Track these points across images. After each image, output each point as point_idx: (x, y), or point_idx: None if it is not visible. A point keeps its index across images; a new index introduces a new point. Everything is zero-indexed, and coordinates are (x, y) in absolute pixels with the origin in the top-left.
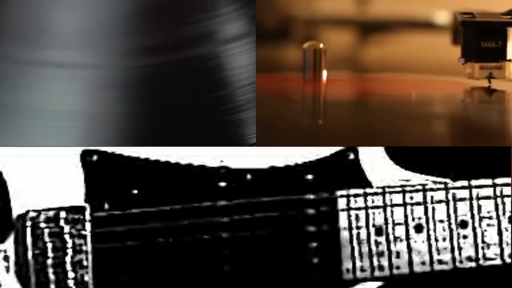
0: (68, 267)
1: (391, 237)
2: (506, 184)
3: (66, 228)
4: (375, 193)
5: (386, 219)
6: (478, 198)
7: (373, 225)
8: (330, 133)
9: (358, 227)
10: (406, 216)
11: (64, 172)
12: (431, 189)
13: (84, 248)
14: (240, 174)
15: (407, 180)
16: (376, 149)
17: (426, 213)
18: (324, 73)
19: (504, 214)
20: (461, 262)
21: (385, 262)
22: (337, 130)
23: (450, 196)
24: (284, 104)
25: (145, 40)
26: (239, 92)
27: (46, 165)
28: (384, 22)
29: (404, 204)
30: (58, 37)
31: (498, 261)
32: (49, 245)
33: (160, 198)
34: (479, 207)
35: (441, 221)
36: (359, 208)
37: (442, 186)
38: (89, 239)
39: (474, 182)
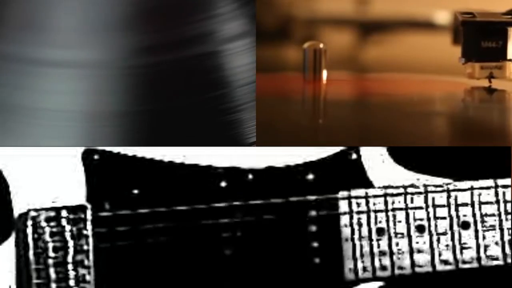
0: (70, 266)
1: (393, 237)
2: (507, 186)
3: (68, 228)
4: (377, 194)
5: (388, 219)
6: (480, 198)
7: (375, 225)
8: (330, 133)
9: (360, 227)
10: (408, 216)
11: (65, 172)
12: (433, 189)
13: (85, 247)
14: (241, 174)
15: (409, 180)
16: (378, 149)
17: (427, 213)
18: (324, 73)
19: (505, 214)
20: (463, 262)
21: (387, 262)
22: (337, 130)
23: (451, 196)
24: (284, 104)
25: (145, 40)
26: (238, 91)
27: (47, 164)
28: (384, 22)
29: (406, 204)
30: (58, 37)
31: (500, 261)
32: (50, 245)
33: (160, 198)
34: (481, 207)
35: (443, 220)
36: (360, 208)
37: (444, 186)
38: (90, 238)
39: (475, 182)
